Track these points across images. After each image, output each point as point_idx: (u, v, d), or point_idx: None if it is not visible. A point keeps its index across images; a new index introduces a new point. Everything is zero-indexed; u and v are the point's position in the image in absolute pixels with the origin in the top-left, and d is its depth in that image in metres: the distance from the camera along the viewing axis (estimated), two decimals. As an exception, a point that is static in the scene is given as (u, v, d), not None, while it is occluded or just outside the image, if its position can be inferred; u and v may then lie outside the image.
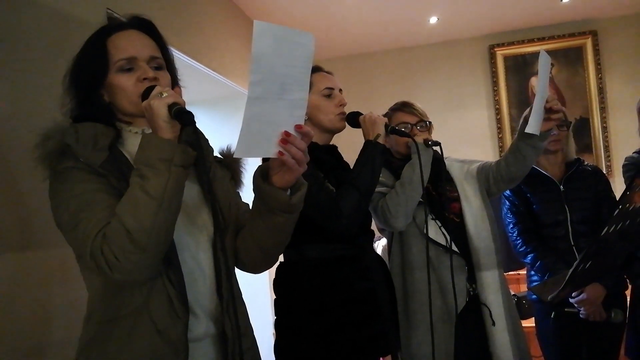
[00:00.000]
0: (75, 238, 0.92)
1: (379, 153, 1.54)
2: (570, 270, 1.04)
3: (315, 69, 1.65)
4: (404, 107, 1.84)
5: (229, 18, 3.45)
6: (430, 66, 4.56)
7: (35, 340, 1.56)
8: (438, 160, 1.77)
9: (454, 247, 1.71)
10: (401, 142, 1.80)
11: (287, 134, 0.93)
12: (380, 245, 3.33)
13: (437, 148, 1.71)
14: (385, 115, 1.86)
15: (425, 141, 1.71)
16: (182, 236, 1.01)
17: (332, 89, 1.63)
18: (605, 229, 0.99)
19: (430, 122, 1.83)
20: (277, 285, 1.60)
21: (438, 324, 1.67)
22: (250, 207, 1.10)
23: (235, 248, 1.13)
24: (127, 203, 0.89)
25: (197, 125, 0.93)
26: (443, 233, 1.71)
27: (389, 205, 1.69)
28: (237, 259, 1.14)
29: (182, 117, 0.89)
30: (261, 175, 1.01)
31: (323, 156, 1.59)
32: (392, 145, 1.86)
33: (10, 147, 1.55)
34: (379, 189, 1.75)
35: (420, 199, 1.71)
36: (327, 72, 1.66)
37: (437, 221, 1.75)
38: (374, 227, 1.74)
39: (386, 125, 1.60)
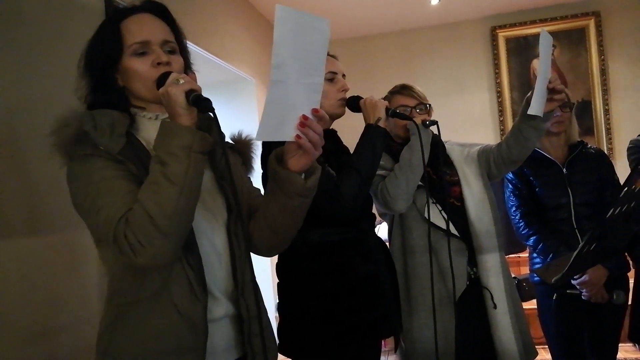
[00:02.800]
0: (97, 223, 0.93)
1: (380, 137, 1.53)
2: (575, 252, 1.04)
3: None
4: (403, 89, 1.83)
5: (228, 2, 3.41)
6: (431, 49, 4.51)
7: (46, 324, 1.59)
8: (437, 144, 1.76)
9: (454, 231, 1.71)
10: (400, 125, 1.79)
11: (305, 117, 0.95)
12: (381, 229, 3.33)
13: (434, 128, 1.70)
14: (384, 99, 1.85)
15: (423, 122, 1.70)
16: (199, 221, 1.03)
17: (335, 73, 1.61)
18: (611, 211, 0.99)
19: (429, 105, 1.81)
20: (280, 269, 1.60)
21: (439, 308, 1.67)
22: (262, 192, 1.12)
23: (249, 232, 1.15)
24: (149, 189, 0.91)
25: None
26: (443, 217, 1.71)
27: (388, 188, 1.68)
28: (251, 243, 1.16)
29: (200, 104, 0.91)
30: (276, 159, 1.03)
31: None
32: (390, 129, 1.85)
33: (16, 134, 1.56)
34: (379, 172, 1.74)
35: (421, 183, 1.71)
36: (332, 56, 1.64)
37: (438, 205, 1.75)
38: (375, 211, 1.73)
39: (387, 109, 1.59)
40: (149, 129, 1.06)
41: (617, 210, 1.02)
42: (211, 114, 0.91)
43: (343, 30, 4.43)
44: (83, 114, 0.99)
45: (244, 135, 1.25)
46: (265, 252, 1.19)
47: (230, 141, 1.24)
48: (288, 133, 0.95)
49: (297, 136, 0.95)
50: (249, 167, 1.24)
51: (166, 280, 0.98)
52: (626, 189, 1.00)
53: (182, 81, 0.93)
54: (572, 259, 1.03)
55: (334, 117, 1.63)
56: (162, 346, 0.97)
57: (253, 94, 3.64)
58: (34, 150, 1.56)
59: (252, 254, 1.16)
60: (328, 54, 1.64)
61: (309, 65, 0.94)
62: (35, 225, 1.60)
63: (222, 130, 1.18)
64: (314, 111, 0.97)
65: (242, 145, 1.23)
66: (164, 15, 1.10)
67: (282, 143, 1.02)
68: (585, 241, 1.02)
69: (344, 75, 1.65)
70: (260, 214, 1.13)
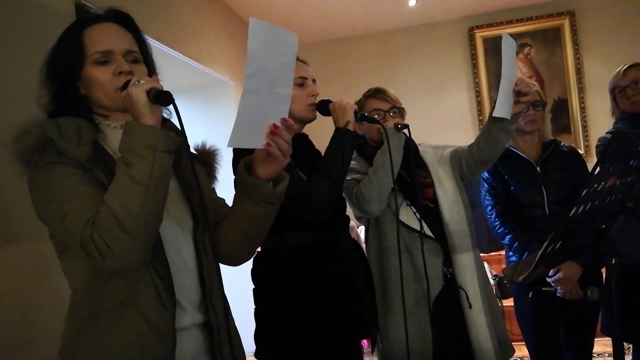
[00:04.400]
0: (64, 229, 0.92)
1: (349, 140, 1.54)
2: (540, 251, 1.05)
3: None
4: (376, 93, 1.83)
5: (204, 4, 3.39)
6: (409, 49, 4.54)
7: (16, 335, 1.57)
8: (410, 146, 1.77)
9: (429, 232, 1.72)
10: (374, 129, 1.80)
11: (275, 126, 0.99)
12: (363, 231, 3.34)
13: (406, 131, 1.71)
14: (357, 102, 1.86)
15: (395, 125, 1.71)
16: (165, 231, 1.02)
17: (305, 78, 1.61)
18: (574, 210, 1.00)
19: (402, 109, 1.82)
20: (256, 274, 1.60)
21: (415, 309, 1.68)
22: (228, 202, 1.13)
23: (216, 241, 1.14)
24: (114, 190, 0.90)
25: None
26: (418, 219, 1.72)
27: (362, 191, 1.69)
28: (218, 252, 1.16)
29: (161, 97, 0.91)
30: (245, 167, 1.04)
31: (294, 144, 1.57)
32: (365, 133, 1.85)
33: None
34: (353, 176, 1.75)
35: (394, 185, 1.71)
36: (302, 61, 1.64)
37: (412, 207, 1.76)
38: (349, 213, 1.74)
39: (356, 112, 1.59)
40: (114, 138, 1.04)
41: (581, 208, 1.03)
42: (172, 106, 0.92)
43: (322, 33, 4.44)
44: (46, 122, 0.98)
45: (208, 146, 1.25)
46: (232, 261, 1.18)
47: (194, 151, 1.24)
48: (258, 141, 0.98)
49: (267, 144, 0.98)
50: (212, 177, 1.24)
51: (133, 288, 0.97)
52: (587, 188, 1.02)
53: (142, 82, 0.94)
54: (537, 257, 1.05)
55: (305, 121, 1.63)
56: (130, 356, 0.96)
57: (232, 97, 3.63)
58: (2, 159, 1.54)
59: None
60: (298, 59, 1.64)
61: (279, 76, 0.98)
62: (4, 235, 1.57)
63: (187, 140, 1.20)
64: (283, 120, 1.00)
65: (206, 155, 1.24)
66: (128, 24, 1.10)
67: (252, 151, 1.03)
68: (549, 240, 1.04)
69: (314, 80, 1.65)
70: (226, 223, 1.13)
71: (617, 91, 2.15)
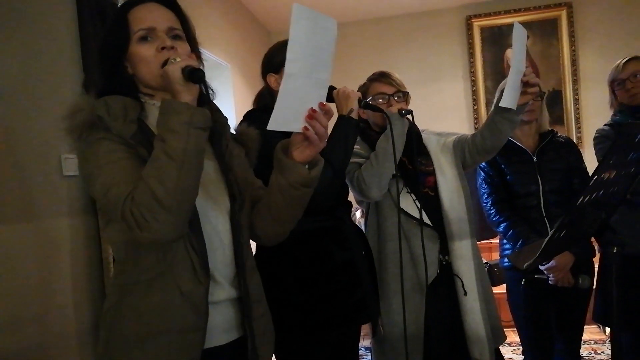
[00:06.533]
0: (108, 202, 0.97)
1: (352, 128, 1.53)
2: (546, 239, 1.07)
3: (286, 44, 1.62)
4: (381, 77, 1.82)
5: (202, -16, 3.34)
6: (407, 37, 4.53)
7: (14, 315, 1.58)
8: (414, 133, 1.77)
9: (427, 220, 1.73)
10: (378, 114, 1.79)
11: (313, 110, 1.02)
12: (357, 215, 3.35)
13: (410, 117, 1.71)
14: (362, 86, 1.85)
15: (399, 110, 1.70)
16: (203, 208, 1.07)
17: None
18: (581, 199, 1.02)
19: (407, 93, 1.82)
20: (259, 259, 1.60)
21: (411, 294, 1.70)
22: (268, 183, 1.16)
23: (251, 222, 1.19)
24: (150, 166, 0.95)
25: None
26: (417, 206, 1.73)
27: (364, 175, 1.69)
28: (252, 232, 1.21)
29: (193, 75, 0.95)
30: (282, 150, 1.08)
31: None
32: (369, 117, 1.85)
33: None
34: (355, 160, 1.75)
35: (396, 172, 1.72)
36: None
37: (412, 194, 1.76)
38: (351, 198, 1.74)
39: (359, 100, 1.57)
40: (156, 116, 1.09)
41: (587, 198, 1.05)
42: (202, 84, 0.98)
43: (319, 16, 4.40)
44: (96, 100, 1.03)
45: (250, 128, 1.28)
46: (266, 241, 1.24)
47: (233, 132, 1.28)
48: (297, 124, 1.01)
49: (305, 128, 1.02)
50: (251, 159, 1.27)
51: (170, 262, 1.02)
52: (595, 177, 1.03)
53: (178, 59, 0.97)
54: (543, 245, 1.06)
55: None
56: (166, 325, 1.02)
57: (229, 79, 3.60)
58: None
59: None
60: None
61: (318, 61, 1.00)
62: (3, 214, 1.56)
63: (228, 122, 1.24)
64: (321, 105, 1.04)
65: (247, 138, 1.27)
66: (171, 4, 1.14)
67: (285, 134, 1.05)
68: (556, 228, 1.05)
69: None
70: (263, 204, 1.17)
71: (616, 84, 2.17)
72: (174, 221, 0.95)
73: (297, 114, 1.00)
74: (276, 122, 0.96)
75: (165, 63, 1.01)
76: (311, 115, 1.02)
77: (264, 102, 1.63)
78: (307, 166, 1.08)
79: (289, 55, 0.95)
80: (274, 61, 1.59)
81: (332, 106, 1.59)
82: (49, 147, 1.76)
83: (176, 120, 0.93)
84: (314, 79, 1.00)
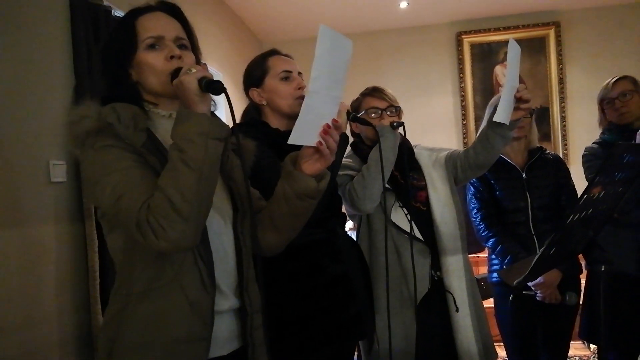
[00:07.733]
0: (119, 210, 0.96)
1: (340, 141, 1.52)
2: (537, 256, 1.08)
3: (273, 52, 1.62)
4: (374, 92, 1.83)
5: (196, -5, 3.35)
6: (398, 51, 4.57)
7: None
8: (405, 147, 1.78)
9: (418, 235, 1.73)
10: (369, 128, 1.80)
11: (328, 126, 1.06)
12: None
13: (402, 131, 1.72)
14: (355, 100, 1.86)
15: (391, 123, 1.71)
16: (208, 219, 1.06)
17: (289, 71, 1.57)
18: (571, 217, 1.03)
19: (400, 108, 1.83)
20: None
21: (401, 309, 1.69)
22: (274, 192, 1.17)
23: (252, 231, 1.19)
24: (168, 175, 0.94)
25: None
26: (408, 220, 1.73)
27: (355, 188, 1.70)
28: (254, 242, 1.21)
29: (212, 86, 0.96)
30: (291, 163, 1.11)
31: (279, 140, 1.56)
32: (361, 131, 1.86)
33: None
34: (348, 172, 1.76)
35: (388, 186, 1.72)
36: (285, 55, 1.62)
37: (404, 209, 1.77)
38: (344, 210, 1.74)
39: (348, 113, 1.56)
40: (162, 126, 1.10)
41: (577, 216, 1.06)
42: (225, 94, 0.96)
43: (313, 29, 4.42)
44: (103, 107, 1.02)
45: (249, 141, 1.29)
46: (267, 250, 1.23)
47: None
48: (312, 139, 1.04)
49: (319, 142, 1.05)
50: (246, 171, 1.26)
51: (178, 271, 1.02)
52: (585, 196, 1.05)
53: (194, 70, 0.98)
54: (534, 262, 1.07)
55: (294, 116, 1.61)
56: (173, 334, 1.01)
57: (220, 89, 3.59)
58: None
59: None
60: (280, 53, 1.64)
61: (335, 79, 1.05)
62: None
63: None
64: (334, 121, 1.07)
65: (244, 150, 1.26)
66: (177, 14, 1.16)
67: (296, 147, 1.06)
68: (546, 245, 1.06)
69: (300, 73, 1.61)
70: (264, 214, 1.18)
71: (605, 102, 2.20)
72: (191, 230, 0.95)
73: (313, 129, 1.04)
74: (296, 137, 1.00)
75: (175, 72, 1.02)
76: (326, 131, 1.05)
77: (251, 116, 1.62)
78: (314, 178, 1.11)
79: (314, 73, 0.99)
80: (253, 75, 1.60)
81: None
82: (37, 152, 1.73)
83: (194, 131, 0.94)
84: (330, 96, 1.05)
